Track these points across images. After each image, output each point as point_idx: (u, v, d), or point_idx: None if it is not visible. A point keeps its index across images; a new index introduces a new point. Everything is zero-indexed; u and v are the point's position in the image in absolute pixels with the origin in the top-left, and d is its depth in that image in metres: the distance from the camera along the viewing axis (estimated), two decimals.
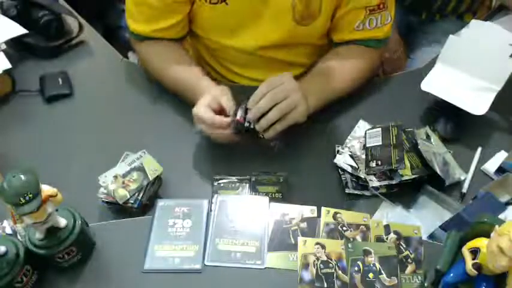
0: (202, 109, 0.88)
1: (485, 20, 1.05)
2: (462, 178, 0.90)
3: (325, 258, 0.75)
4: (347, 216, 0.81)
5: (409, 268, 0.74)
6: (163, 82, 1.06)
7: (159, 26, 1.01)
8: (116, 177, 0.87)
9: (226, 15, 0.98)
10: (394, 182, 0.87)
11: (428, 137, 0.94)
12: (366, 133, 0.95)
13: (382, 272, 0.73)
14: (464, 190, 0.89)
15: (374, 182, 0.88)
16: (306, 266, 0.74)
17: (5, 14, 1.16)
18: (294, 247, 0.77)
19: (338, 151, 0.95)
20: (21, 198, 0.62)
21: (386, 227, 0.79)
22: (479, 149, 0.95)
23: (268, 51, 1.05)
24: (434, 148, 0.90)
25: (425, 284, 0.73)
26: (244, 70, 1.11)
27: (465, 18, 1.25)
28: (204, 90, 0.92)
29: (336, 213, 0.81)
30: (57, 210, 0.71)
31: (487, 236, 0.64)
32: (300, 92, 0.87)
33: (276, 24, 0.99)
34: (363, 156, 0.92)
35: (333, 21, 1.02)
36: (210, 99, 0.88)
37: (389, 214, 0.86)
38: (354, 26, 1.00)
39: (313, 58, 1.12)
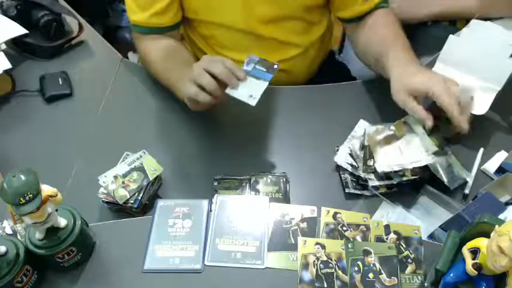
0: (207, 60, 0.84)
1: None
2: (467, 179, 0.90)
3: (325, 258, 0.75)
4: (347, 216, 0.81)
5: (409, 268, 0.74)
6: (160, 79, 1.06)
7: (154, 9, 1.02)
8: (116, 177, 0.87)
9: None
10: (394, 182, 0.87)
11: None
12: (365, 130, 0.95)
13: (382, 272, 0.73)
14: (467, 191, 0.89)
15: (374, 181, 0.88)
16: (306, 266, 0.74)
17: (5, 14, 1.16)
18: (294, 247, 0.77)
19: (338, 150, 0.95)
20: (21, 198, 0.62)
21: (387, 227, 0.79)
22: (481, 150, 0.95)
23: (261, 27, 1.05)
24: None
25: (425, 284, 0.73)
26: (240, 54, 1.10)
27: (458, 25, 1.25)
28: None
29: (336, 213, 0.81)
30: (57, 210, 0.71)
31: (487, 236, 0.64)
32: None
33: None
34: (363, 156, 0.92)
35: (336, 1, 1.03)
36: (211, 58, 0.86)
37: (389, 214, 0.86)
38: None
39: (308, 37, 1.11)
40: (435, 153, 0.85)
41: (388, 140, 0.91)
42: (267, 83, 0.83)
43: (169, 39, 1.06)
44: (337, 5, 1.04)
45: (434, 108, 0.87)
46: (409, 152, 0.88)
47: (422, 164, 0.85)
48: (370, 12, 1.04)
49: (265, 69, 0.83)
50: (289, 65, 1.14)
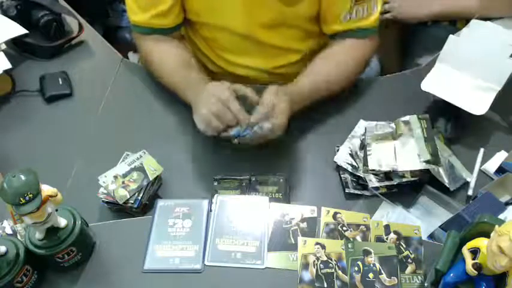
0: (226, 88, 0.87)
1: None
2: (468, 179, 0.90)
3: (325, 258, 0.75)
4: (347, 216, 0.81)
5: (409, 268, 0.74)
6: (163, 81, 1.06)
7: (156, 11, 1.01)
8: (116, 177, 0.87)
9: None
10: (393, 183, 0.87)
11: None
12: (365, 129, 0.95)
13: (382, 272, 0.73)
14: (470, 193, 0.88)
15: (374, 182, 0.88)
16: (306, 266, 0.74)
17: (5, 14, 1.16)
18: (294, 247, 0.77)
19: (338, 150, 0.95)
20: (21, 198, 0.62)
21: (387, 227, 0.79)
22: (482, 150, 0.95)
23: (260, 32, 1.05)
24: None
25: (425, 284, 0.73)
26: (241, 58, 1.11)
27: (458, 25, 1.25)
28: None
29: (336, 213, 0.81)
30: (57, 210, 0.71)
31: (487, 236, 0.64)
32: (285, 117, 0.89)
33: (263, 2, 0.99)
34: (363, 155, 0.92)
35: (320, 12, 1.03)
36: (228, 85, 0.89)
37: (389, 214, 0.86)
38: (341, 18, 1.01)
39: (308, 44, 1.11)
40: (427, 162, 0.85)
41: (385, 138, 0.91)
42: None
43: (171, 40, 1.06)
44: (323, 18, 1.04)
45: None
46: (402, 154, 0.88)
47: (412, 169, 0.86)
48: (342, 36, 1.04)
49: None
50: (288, 70, 1.14)
